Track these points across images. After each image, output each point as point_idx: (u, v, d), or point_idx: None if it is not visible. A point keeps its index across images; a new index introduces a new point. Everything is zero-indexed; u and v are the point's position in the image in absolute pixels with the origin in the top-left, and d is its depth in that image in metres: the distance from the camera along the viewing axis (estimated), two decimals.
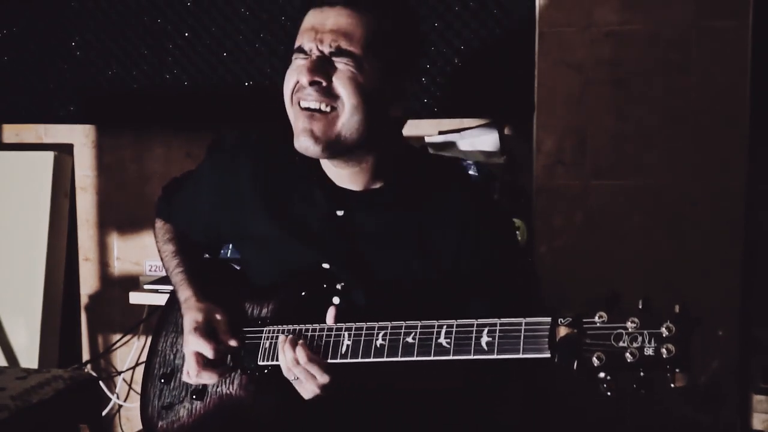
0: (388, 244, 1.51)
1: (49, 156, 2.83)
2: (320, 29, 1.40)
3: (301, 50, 1.43)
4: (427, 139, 2.52)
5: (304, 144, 1.42)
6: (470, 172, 2.34)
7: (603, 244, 2.21)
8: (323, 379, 1.37)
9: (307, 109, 1.42)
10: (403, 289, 1.50)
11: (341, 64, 1.39)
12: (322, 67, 1.40)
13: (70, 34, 2.82)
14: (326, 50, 1.40)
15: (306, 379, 1.39)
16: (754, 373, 2.27)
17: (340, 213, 1.52)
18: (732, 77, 2.11)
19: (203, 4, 2.68)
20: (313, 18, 1.43)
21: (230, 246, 2.47)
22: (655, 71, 2.15)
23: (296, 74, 1.43)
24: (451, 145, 2.48)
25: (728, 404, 2.17)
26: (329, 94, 1.40)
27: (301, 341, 1.39)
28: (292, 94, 1.44)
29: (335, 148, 1.43)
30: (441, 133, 2.56)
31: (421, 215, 1.51)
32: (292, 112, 1.46)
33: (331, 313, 1.43)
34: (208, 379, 1.54)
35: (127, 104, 2.82)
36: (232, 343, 1.54)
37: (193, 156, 2.83)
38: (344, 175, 1.51)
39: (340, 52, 1.39)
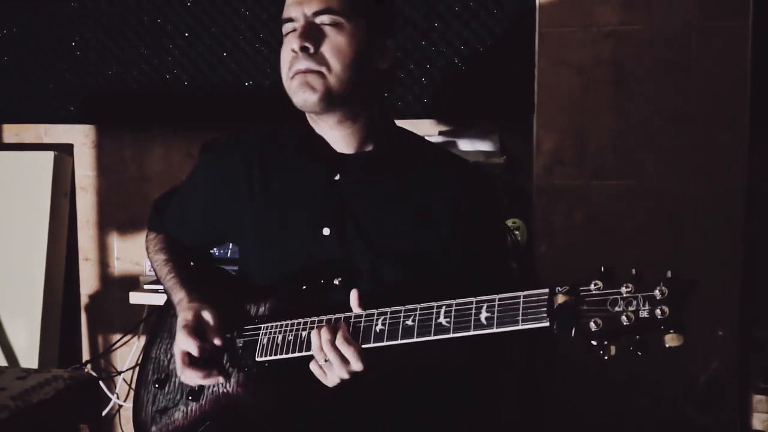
0: (384, 207, 1.54)
1: (49, 156, 2.83)
2: None
3: (289, 20, 1.49)
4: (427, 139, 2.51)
5: (302, 97, 1.48)
6: None
7: (603, 243, 2.21)
8: (357, 365, 1.35)
9: (301, 71, 1.48)
10: (405, 257, 1.52)
11: (327, 27, 1.47)
12: (311, 33, 1.46)
13: (70, 34, 2.82)
14: (310, 12, 1.46)
15: (338, 364, 1.36)
16: (754, 373, 2.27)
17: (336, 177, 1.56)
18: (732, 77, 2.11)
19: (203, 4, 2.68)
20: None
21: (230, 246, 2.47)
22: (655, 71, 2.15)
23: (289, 44, 1.49)
24: (451, 145, 2.48)
25: (728, 404, 2.17)
26: (319, 61, 1.47)
27: (342, 323, 1.38)
28: (290, 68, 1.49)
29: (331, 99, 1.48)
30: (441, 133, 2.56)
31: (413, 182, 1.55)
32: (289, 84, 1.50)
33: (354, 298, 1.41)
34: (190, 378, 1.52)
35: (127, 104, 2.82)
36: (217, 342, 1.53)
37: (193, 156, 2.83)
38: (339, 138, 1.56)
39: (324, 11, 1.46)
